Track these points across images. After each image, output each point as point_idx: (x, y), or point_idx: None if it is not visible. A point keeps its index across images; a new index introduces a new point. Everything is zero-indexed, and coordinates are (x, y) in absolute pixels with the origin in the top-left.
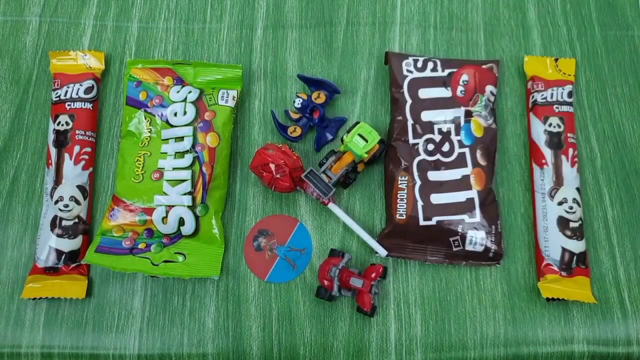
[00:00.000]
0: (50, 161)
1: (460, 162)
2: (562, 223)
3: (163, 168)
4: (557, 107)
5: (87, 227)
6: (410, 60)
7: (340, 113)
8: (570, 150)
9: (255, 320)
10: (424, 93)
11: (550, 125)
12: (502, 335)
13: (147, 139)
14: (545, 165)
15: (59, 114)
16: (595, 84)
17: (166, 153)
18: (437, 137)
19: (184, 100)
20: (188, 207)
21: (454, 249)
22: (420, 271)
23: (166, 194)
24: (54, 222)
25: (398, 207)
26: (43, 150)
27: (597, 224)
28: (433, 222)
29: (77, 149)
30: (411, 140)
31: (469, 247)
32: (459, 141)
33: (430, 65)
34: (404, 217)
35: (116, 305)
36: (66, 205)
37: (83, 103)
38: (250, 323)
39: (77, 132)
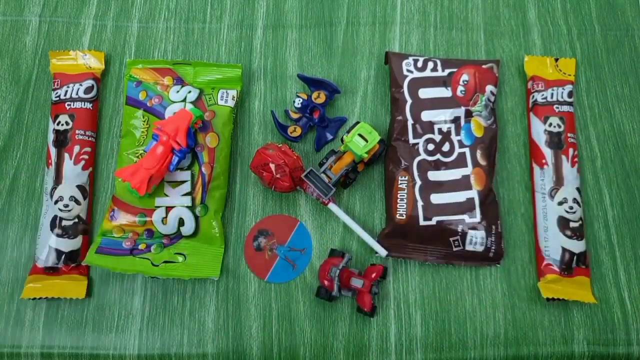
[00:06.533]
0: (50, 161)
1: (460, 162)
2: (562, 223)
3: None
4: (557, 107)
5: (87, 227)
6: (411, 60)
7: (340, 113)
8: (571, 150)
9: (255, 320)
10: (424, 93)
11: (550, 125)
12: (502, 335)
13: (143, 137)
14: (545, 165)
15: (58, 113)
16: (595, 84)
17: None
18: (437, 137)
19: (184, 100)
20: (188, 207)
21: (454, 249)
22: (420, 271)
23: (166, 195)
24: (54, 222)
25: (398, 207)
26: (43, 150)
27: (597, 224)
28: (433, 222)
29: (77, 148)
30: (411, 140)
31: (469, 247)
32: (459, 141)
33: (430, 65)
34: (404, 217)
35: (116, 305)
36: (66, 205)
37: (83, 103)
38: (250, 323)
39: (77, 132)
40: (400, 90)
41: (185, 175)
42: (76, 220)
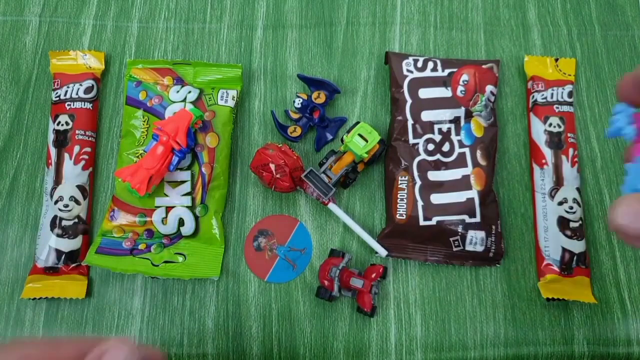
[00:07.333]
0: (50, 161)
1: (460, 162)
2: (562, 223)
3: None
4: (557, 107)
5: (87, 227)
6: (411, 60)
7: (340, 113)
8: (571, 150)
9: (255, 320)
10: (424, 93)
11: (550, 125)
12: (502, 335)
13: (143, 137)
14: (545, 165)
15: (58, 113)
16: (595, 84)
17: None
18: (437, 137)
19: (184, 100)
20: (188, 207)
21: (454, 249)
22: (420, 271)
23: (166, 195)
24: (54, 222)
25: (398, 207)
26: (43, 150)
27: (597, 224)
28: (433, 222)
29: (77, 148)
30: (411, 140)
31: (469, 247)
32: (459, 141)
33: (430, 65)
34: (404, 217)
35: (116, 305)
36: (66, 205)
37: (83, 103)
38: (250, 323)
39: (77, 132)
40: (400, 90)
41: (185, 175)
42: (76, 220)
